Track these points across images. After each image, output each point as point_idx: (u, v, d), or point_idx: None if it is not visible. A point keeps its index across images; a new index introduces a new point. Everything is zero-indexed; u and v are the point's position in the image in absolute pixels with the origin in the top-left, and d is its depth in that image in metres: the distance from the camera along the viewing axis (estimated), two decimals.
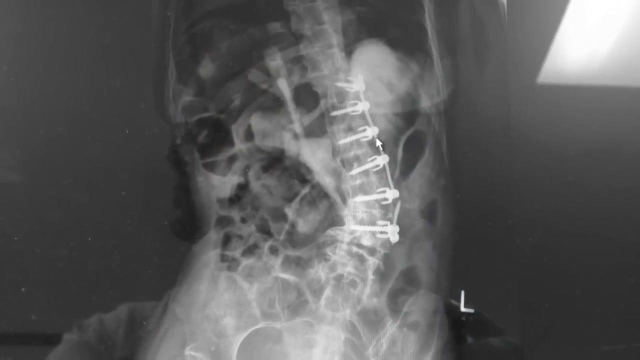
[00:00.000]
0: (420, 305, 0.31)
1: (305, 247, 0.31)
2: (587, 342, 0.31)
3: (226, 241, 0.31)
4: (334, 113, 0.31)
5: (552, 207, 0.29)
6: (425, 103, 0.32)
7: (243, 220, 0.31)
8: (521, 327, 0.31)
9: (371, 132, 0.31)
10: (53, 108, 0.31)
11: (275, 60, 0.31)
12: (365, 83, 0.31)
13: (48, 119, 0.31)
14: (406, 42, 0.32)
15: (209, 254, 0.31)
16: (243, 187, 0.31)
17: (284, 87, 0.31)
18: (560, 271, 0.31)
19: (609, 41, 0.33)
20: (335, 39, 0.31)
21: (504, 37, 0.32)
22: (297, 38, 0.31)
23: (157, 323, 0.30)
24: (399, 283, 0.31)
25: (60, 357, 0.30)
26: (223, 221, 0.31)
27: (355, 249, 0.31)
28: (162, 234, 0.30)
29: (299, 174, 0.31)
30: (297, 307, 0.31)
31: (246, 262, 0.31)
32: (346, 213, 0.31)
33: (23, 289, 0.30)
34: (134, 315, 0.30)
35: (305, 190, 0.31)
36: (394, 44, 0.31)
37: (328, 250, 0.31)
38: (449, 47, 0.32)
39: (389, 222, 0.31)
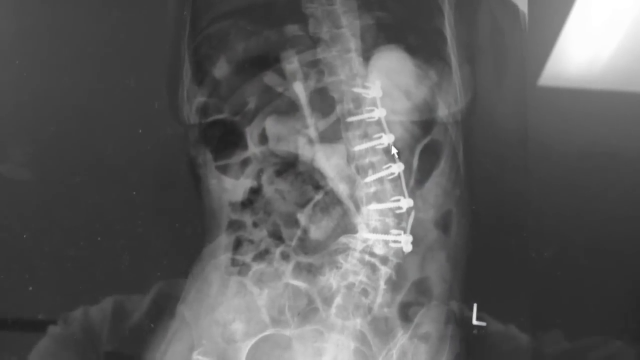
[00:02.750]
0: (431, 316, 0.30)
1: (317, 254, 0.30)
2: (600, 359, 0.31)
3: (237, 245, 0.30)
4: (350, 119, 0.31)
5: (569, 222, 0.29)
6: (442, 112, 0.31)
7: (255, 225, 0.30)
8: (532, 341, 0.30)
9: (387, 139, 0.31)
10: (65, 105, 0.31)
11: (292, 64, 0.31)
12: (383, 89, 0.31)
13: (60, 116, 0.31)
14: (425, 49, 0.31)
15: (219, 257, 0.30)
16: (256, 191, 0.31)
17: (299, 90, 0.31)
18: (575, 287, 0.31)
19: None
20: (353, 44, 0.31)
21: (524, 47, 0.32)
22: (315, 41, 0.31)
23: (164, 326, 0.30)
24: (410, 293, 0.30)
25: (45, 350, 0.30)
26: (234, 225, 0.30)
27: (367, 257, 0.30)
28: (172, 236, 0.30)
29: (313, 179, 0.31)
30: (307, 314, 0.30)
31: (257, 267, 0.30)
32: (359, 221, 0.31)
33: (30, 288, 0.30)
34: (119, 308, 0.30)
35: (318, 197, 0.31)
36: (412, 51, 0.31)
37: (340, 258, 0.30)
38: (468, 55, 0.31)
39: (402, 232, 0.30)
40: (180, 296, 0.30)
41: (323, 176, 0.31)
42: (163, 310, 0.30)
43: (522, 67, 0.32)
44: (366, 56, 0.31)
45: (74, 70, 0.31)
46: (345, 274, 0.30)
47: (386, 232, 0.30)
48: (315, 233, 0.31)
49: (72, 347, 0.30)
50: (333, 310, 0.30)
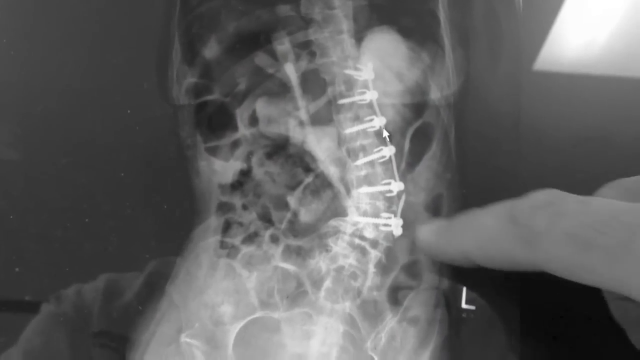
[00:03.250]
0: (421, 300, 0.30)
1: (307, 237, 0.30)
2: (590, 341, 0.31)
3: (226, 228, 0.30)
4: (341, 101, 0.30)
5: None
6: (434, 95, 0.31)
7: (244, 207, 0.30)
8: (521, 325, 0.30)
9: (378, 122, 0.30)
10: (53, 84, 0.30)
11: (283, 44, 0.30)
12: (375, 72, 0.31)
13: (47, 95, 0.30)
14: (418, 31, 0.31)
15: (208, 240, 0.30)
16: (245, 174, 0.30)
17: (291, 72, 0.30)
18: None
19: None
20: (346, 25, 0.31)
21: (519, 30, 0.32)
22: (307, 22, 0.30)
23: (152, 308, 0.30)
24: (400, 277, 0.30)
25: (37, 327, 0.29)
26: (224, 207, 0.30)
27: (357, 240, 0.30)
28: (161, 217, 0.30)
29: (303, 162, 0.30)
30: (296, 297, 0.30)
31: (246, 249, 0.30)
32: (350, 204, 0.30)
33: (17, 269, 0.30)
34: (111, 286, 0.30)
35: (308, 179, 0.30)
36: (405, 33, 0.31)
37: (330, 241, 0.30)
38: (462, 37, 0.31)
39: (392, 215, 0.30)
40: (171, 276, 0.30)
41: (314, 159, 0.30)
42: (154, 290, 0.30)
43: (516, 50, 0.32)
44: (358, 38, 0.31)
45: (62, 49, 0.30)
46: (335, 257, 0.30)
47: (376, 216, 0.30)
48: (305, 216, 0.30)
49: (64, 325, 0.30)
50: (322, 293, 0.30)
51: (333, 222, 0.30)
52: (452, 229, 0.22)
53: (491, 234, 0.21)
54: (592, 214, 0.18)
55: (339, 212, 0.30)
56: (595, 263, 0.18)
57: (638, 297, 0.18)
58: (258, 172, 0.30)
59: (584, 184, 0.25)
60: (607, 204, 0.19)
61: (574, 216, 0.18)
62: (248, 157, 0.30)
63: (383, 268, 0.30)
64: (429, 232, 0.23)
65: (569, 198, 0.19)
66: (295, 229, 0.30)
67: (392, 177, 0.30)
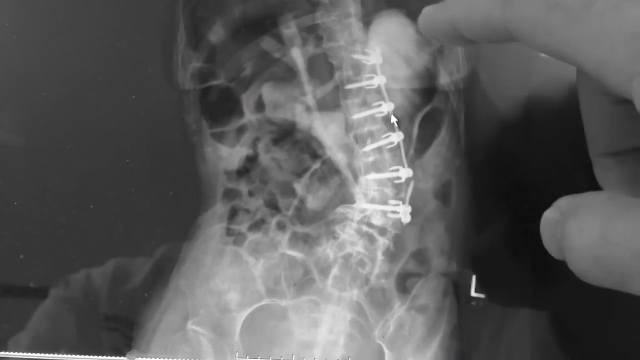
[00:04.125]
0: (429, 288, 0.30)
1: (314, 224, 0.30)
2: (599, 330, 0.30)
3: (232, 215, 0.30)
4: (349, 86, 0.30)
5: (571, 192, 0.28)
6: (443, 80, 0.30)
7: (251, 194, 0.30)
8: (531, 314, 0.30)
9: (386, 107, 0.30)
10: (56, 69, 0.30)
11: (290, 28, 0.30)
12: (383, 56, 0.30)
13: (51, 80, 0.30)
14: None
15: (214, 227, 0.30)
16: (252, 160, 0.30)
17: (297, 56, 0.30)
18: None
19: None
20: (353, 9, 0.30)
21: None
22: (314, 5, 0.30)
23: (158, 295, 0.30)
24: (408, 265, 0.30)
25: (46, 312, 0.29)
26: (230, 194, 0.30)
27: (365, 228, 0.30)
28: (167, 204, 0.30)
29: (310, 148, 0.30)
30: (303, 285, 0.30)
31: (252, 237, 0.30)
32: (357, 191, 0.30)
33: (21, 256, 0.29)
34: (120, 270, 0.29)
35: (315, 166, 0.30)
36: (414, 16, 0.30)
37: (337, 229, 0.30)
38: None
39: (401, 202, 0.30)
40: (178, 262, 0.30)
41: (321, 145, 0.30)
42: (163, 275, 0.30)
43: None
44: (366, 21, 0.30)
45: (66, 33, 0.30)
46: (343, 245, 0.30)
47: (384, 203, 0.30)
48: (312, 203, 0.30)
49: (72, 309, 0.30)
50: (330, 281, 0.30)
51: (340, 209, 0.30)
52: (442, 3, 0.23)
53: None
54: None
55: (347, 199, 0.30)
56: (555, 23, 0.18)
57: (584, 63, 0.18)
58: (264, 159, 0.30)
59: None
60: None
61: None
62: (254, 143, 0.30)
63: (391, 255, 0.30)
64: (427, 9, 0.24)
65: None
66: (302, 216, 0.30)
67: (401, 163, 0.30)
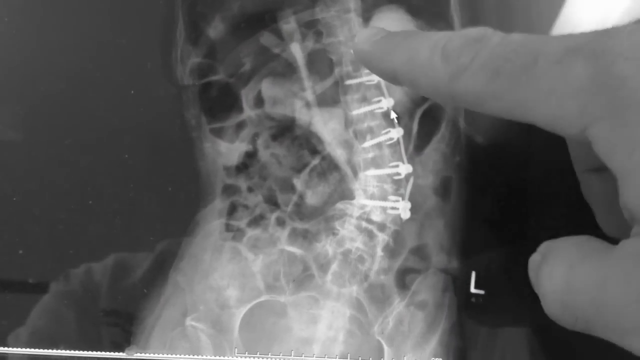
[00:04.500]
0: (429, 284, 0.30)
1: (313, 220, 0.30)
2: None
3: (232, 210, 0.30)
4: (349, 82, 0.30)
5: (570, 189, 0.28)
6: None
7: (250, 190, 0.30)
8: (530, 310, 0.30)
9: (386, 103, 0.30)
10: (55, 64, 0.30)
11: (289, 24, 0.30)
12: None
13: (50, 75, 0.30)
14: (427, 10, 0.30)
15: (213, 222, 0.30)
16: (251, 156, 0.30)
17: (297, 52, 0.30)
18: None
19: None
20: (353, 4, 0.30)
21: (530, 9, 0.31)
22: (313, 1, 0.30)
23: (157, 291, 0.30)
24: (408, 261, 0.30)
25: (45, 307, 0.29)
26: (229, 190, 0.30)
27: (364, 224, 0.30)
28: (165, 200, 0.29)
29: (310, 144, 0.30)
30: (302, 281, 0.30)
31: (252, 232, 0.30)
32: (357, 187, 0.30)
33: (20, 252, 0.29)
34: (120, 265, 0.29)
35: (315, 162, 0.30)
36: (414, 12, 0.30)
37: (336, 225, 0.30)
38: (472, 16, 0.30)
39: (400, 198, 0.30)
40: (177, 258, 0.30)
41: (320, 140, 0.30)
42: (163, 270, 0.29)
43: (528, 30, 0.31)
44: (366, 17, 0.30)
45: (65, 28, 0.30)
46: (342, 241, 0.30)
47: (384, 199, 0.30)
48: (312, 199, 0.30)
49: (72, 304, 0.30)
50: (329, 277, 0.30)
51: (340, 205, 0.30)
52: (388, 45, 0.23)
53: (421, 61, 0.21)
54: (506, 45, 0.19)
55: (346, 194, 0.30)
56: (500, 89, 0.19)
57: (537, 120, 0.18)
58: (264, 154, 0.30)
59: None
60: (523, 36, 0.19)
61: (490, 49, 0.19)
62: (253, 139, 0.30)
63: (391, 252, 0.30)
64: (366, 38, 0.23)
65: (495, 34, 0.20)
66: (301, 211, 0.30)
67: (400, 159, 0.30)
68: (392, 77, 0.23)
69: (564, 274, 0.19)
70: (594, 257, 0.18)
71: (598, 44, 0.17)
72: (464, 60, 0.19)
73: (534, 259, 0.21)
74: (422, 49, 0.21)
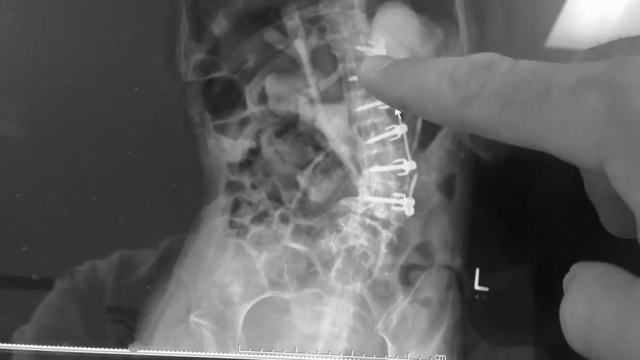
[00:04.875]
0: (433, 281, 0.30)
1: (317, 217, 0.30)
2: None
3: (235, 207, 0.30)
4: (353, 78, 0.30)
5: (575, 186, 0.28)
6: None
7: (253, 187, 0.30)
8: (534, 308, 0.30)
9: None
10: (59, 60, 0.30)
11: (293, 20, 0.30)
12: (387, 48, 0.30)
13: (53, 72, 0.30)
14: (431, 6, 0.30)
15: (217, 219, 0.30)
16: (255, 152, 0.30)
17: (300, 48, 0.30)
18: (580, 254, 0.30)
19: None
20: (357, 0, 0.30)
21: (534, 5, 0.31)
22: None
23: (161, 288, 0.30)
24: (412, 258, 0.30)
25: (49, 304, 0.29)
26: (233, 186, 0.30)
27: (368, 220, 0.30)
28: (169, 196, 0.29)
29: (313, 140, 0.30)
30: (306, 277, 0.30)
31: (255, 229, 0.30)
32: (361, 183, 0.30)
33: (24, 248, 0.29)
34: (125, 262, 0.29)
35: (319, 158, 0.30)
36: (418, 7, 0.30)
37: (340, 221, 0.30)
38: (477, 12, 0.30)
39: (404, 195, 0.30)
40: (181, 255, 0.30)
41: (324, 137, 0.30)
42: (168, 267, 0.29)
43: (532, 27, 0.31)
44: (370, 13, 0.30)
45: (69, 25, 0.30)
46: (346, 238, 0.30)
47: (388, 195, 0.30)
48: (316, 195, 0.30)
49: (77, 301, 0.30)
50: (333, 273, 0.30)
51: (344, 202, 0.30)
52: (395, 73, 0.22)
53: (430, 89, 0.21)
54: (516, 72, 0.19)
55: (350, 191, 0.30)
56: (512, 118, 0.18)
57: (552, 150, 0.18)
58: (267, 151, 0.30)
59: None
60: (533, 64, 0.19)
61: (500, 76, 0.19)
62: (257, 136, 0.30)
63: (394, 248, 0.30)
64: (371, 67, 0.23)
65: (504, 60, 0.20)
66: (305, 208, 0.30)
67: (404, 156, 0.30)
68: (400, 105, 0.22)
69: (585, 310, 0.18)
70: (616, 292, 0.17)
71: (613, 76, 0.17)
72: (473, 86, 0.19)
73: (566, 281, 0.21)
74: (429, 76, 0.21)
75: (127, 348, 0.29)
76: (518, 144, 0.19)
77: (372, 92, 0.24)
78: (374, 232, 0.30)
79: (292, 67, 0.30)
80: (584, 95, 0.17)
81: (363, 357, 0.30)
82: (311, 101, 0.30)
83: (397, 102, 0.22)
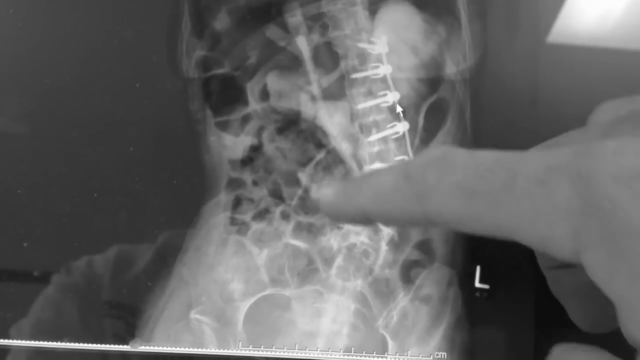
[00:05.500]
0: (433, 278, 0.30)
1: (318, 214, 0.30)
2: None
3: (236, 204, 0.30)
4: (354, 75, 0.30)
5: None
6: (450, 69, 0.30)
7: (255, 184, 0.30)
8: (535, 306, 0.30)
9: (392, 97, 0.30)
10: (61, 57, 0.30)
11: (295, 17, 0.30)
12: (389, 45, 0.30)
13: (55, 68, 0.30)
14: (434, 3, 0.30)
15: (218, 216, 0.30)
16: (256, 149, 0.30)
17: (303, 45, 0.30)
18: None
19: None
20: None
21: (537, 2, 0.31)
22: None
23: (162, 284, 0.30)
24: (412, 255, 0.30)
25: (49, 300, 0.29)
26: (234, 183, 0.30)
27: None
28: (171, 193, 0.29)
29: (315, 137, 0.30)
30: (307, 274, 0.30)
31: (256, 226, 0.30)
32: None
33: (25, 244, 0.29)
34: (122, 257, 0.29)
35: (320, 155, 0.30)
36: (420, 5, 0.30)
37: None
38: (479, 9, 0.30)
39: None
40: (181, 251, 0.30)
41: (325, 134, 0.30)
42: (166, 262, 0.29)
43: (535, 24, 0.31)
44: (372, 10, 0.30)
45: (70, 21, 0.30)
46: (347, 235, 0.30)
47: None
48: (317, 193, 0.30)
49: (74, 296, 0.30)
50: (333, 270, 0.30)
51: None
52: (351, 187, 0.22)
53: (386, 189, 0.20)
54: (477, 163, 0.18)
55: None
56: (479, 210, 0.18)
57: (524, 241, 0.17)
58: (269, 148, 0.30)
59: None
60: (493, 154, 0.18)
61: (460, 167, 0.18)
62: (259, 132, 0.30)
63: (395, 246, 0.30)
64: (327, 192, 0.23)
65: (458, 152, 0.19)
66: (306, 205, 0.30)
67: (406, 153, 0.30)
68: (363, 218, 0.21)
69: None
70: None
71: (582, 165, 0.16)
72: (430, 177, 0.19)
73: None
74: (385, 179, 0.20)
75: (127, 344, 0.29)
76: (489, 234, 0.18)
77: (332, 213, 0.23)
78: (375, 229, 0.30)
79: (294, 64, 0.30)
80: (554, 184, 0.16)
81: (363, 354, 0.30)
82: (313, 98, 0.30)
83: (359, 215, 0.21)
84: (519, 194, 0.17)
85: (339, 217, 0.23)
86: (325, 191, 0.23)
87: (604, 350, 0.18)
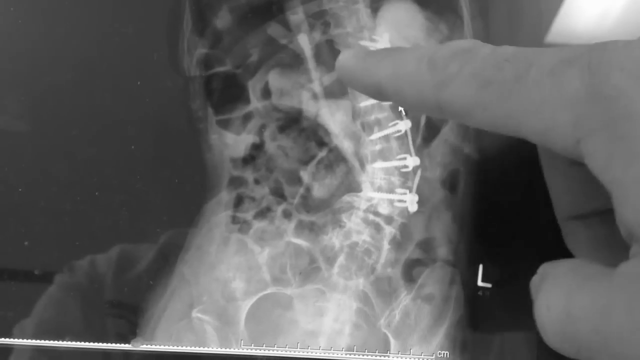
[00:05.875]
0: (436, 277, 0.30)
1: (320, 213, 0.30)
2: None
3: (238, 202, 0.30)
4: None
5: None
6: None
7: (256, 182, 0.30)
8: None
9: None
10: (62, 54, 0.29)
11: (297, 14, 0.29)
12: (391, 43, 0.30)
13: (56, 66, 0.29)
14: (436, 1, 0.30)
15: (219, 214, 0.30)
16: (258, 147, 0.30)
17: (304, 43, 0.30)
18: None
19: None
20: None
21: (539, 0, 0.31)
22: None
23: (163, 283, 0.30)
24: (415, 254, 0.30)
25: (51, 299, 0.29)
26: (236, 182, 0.30)
27: (371, 216, 0.30)
28: (172, 191, 0.29)
29: (317, 136, 0.30)
30: (309, 273, 0.30)
31: (258, 225, 0.30)
32: (364, 179, 0.30)
33: (26, 243, 0.29)
34: (124, 256, 0.29)
35: (322, 154, 0.30)
36: (422, 2, 0.30)
37: (343, 217, 0.30)
38: (481, 7, 0.30)
39: (408, 191, 0.30)
40: (183, 250, 0.29)
41: (327, 132, 0.30)
42: (168, 261, 0.29)
43: (536, 22, 0.31)
44: (374, 7, 0.30)
45: (71, 18, 0.30)
46: (349, 233, 0.30)
47: (391, 191, 0.30)
48: (319, 191, 0.30)
49: (77, 296, 0.29)
50: (335, 269, 0.30)
51: (347, 198, 0.30)
52: (373, 60, 0.22)
53: (407, 70, 0.20)
54: (498, 55, 0.19)
55: (353, 187, 0.30)
56: (490, 99, 0.18)
57: (527, 132, 0.18)
58: (270, 146, 0.30)
59: None
60: (516, 48, 0.19)
61: (481, 58, 0.19)
62: (260, 131, 0.30)
63: (398, 244, 0.30)
64: (349, 56, 0.23)
65: (485, 45, 0.19)
66: (308, 204, 0.30)
67: (408, 151, 0.30)
68: (376, 91, 0.22)
69: (562, 303, 0.18)
70: (593, 283, 0.17)
71: (593, 56, 0.17)
72: (452, 68, 0.19)
73: (534, 282, 0.20)
74: (408, 60, 0.20)
75: (129, 343, 0.29)
76: (493, 128, 0.19)
77: (349, 80, 0.23)
78: (377, 228, 0.30)
79: (295, 62, 0.30)
80: (563, 74, 0.17)
81: (365, 353, 0.30)
82: (315, 96, 0.30)
83: (373, 88, 0.22)
84: (529, 85, 0.17)
85: (354, 85, 0.23)
86: (346, 54, 0.23)
87: (588, 261, 0.18)
